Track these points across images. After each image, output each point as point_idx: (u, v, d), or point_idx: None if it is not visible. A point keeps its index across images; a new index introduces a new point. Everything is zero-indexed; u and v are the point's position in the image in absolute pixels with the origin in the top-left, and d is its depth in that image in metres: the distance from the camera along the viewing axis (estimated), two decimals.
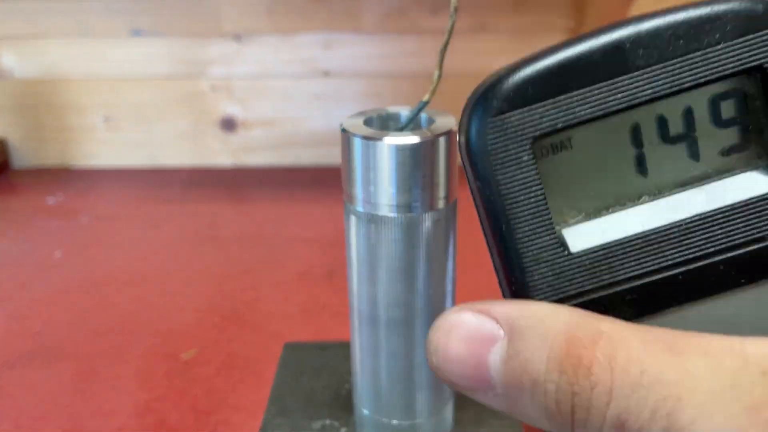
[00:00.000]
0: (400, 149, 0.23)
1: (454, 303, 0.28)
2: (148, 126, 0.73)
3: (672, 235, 0.15)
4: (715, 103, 0.15)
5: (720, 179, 0.15)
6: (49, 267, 0.52)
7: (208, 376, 0.38)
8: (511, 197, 0.15)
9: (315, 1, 0.69)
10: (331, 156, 0.73)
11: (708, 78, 0.14)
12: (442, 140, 0.24)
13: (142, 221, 0.61)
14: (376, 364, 0.27)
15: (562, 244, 0.15)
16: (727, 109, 0.15)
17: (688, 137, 0.15)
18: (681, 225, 0.15)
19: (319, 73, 0.71)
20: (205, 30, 0.70)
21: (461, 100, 0.16)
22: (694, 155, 0.15)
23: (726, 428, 0.11)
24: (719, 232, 0.15)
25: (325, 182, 0.68)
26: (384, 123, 0.26)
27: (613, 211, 0.16)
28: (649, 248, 0.15)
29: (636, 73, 0.14)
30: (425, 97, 0.24)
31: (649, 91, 0.14)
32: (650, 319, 0.15)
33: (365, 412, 0.29)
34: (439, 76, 0.23)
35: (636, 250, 0.15)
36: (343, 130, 0.24)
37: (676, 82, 0.14)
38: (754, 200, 0.15)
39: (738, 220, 0.15)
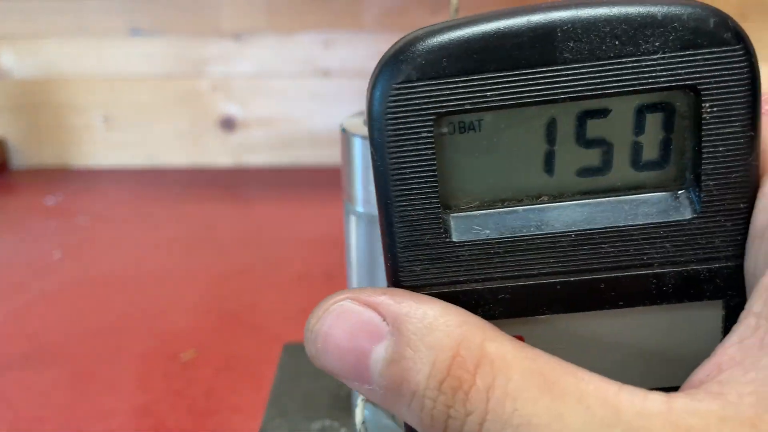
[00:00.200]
0: None
1: None
2: (147, 126, 0.73)
3: (559, 244, 0.14)
4: (640, 113, 0.14)
5: (626, 195, 0.14)
6: (48, 267, 0.52)
7: (206, 377, 0.38)
8: (400, 172, 0.14)
9: (314, 1, 0.69)
10: (331, 156, 0.73)
11: (636, 88, 0.13)
12: None
13: (140, 221, 0.60)
14: None
15: (446, 229, 0.14)
16: (652, 122, 0.14)
17: (604, 144, 0.14)
18: (571, 235, 0.14)
19: (318, 73, 0.71)
20: (204, 29, 0.70)
21: None
22: (606, 164, 0.14)
23: None
24: (609, 250, 0.14)
25: (325, 182, 0.68)
26: None
27: (508, 206, 0.14)
28: (533, 252, 0.14)
29: (561, 67, 0.13)
30: None
31: (571, 90, 0.13)
32: (520, 321, 0.15)
33: (365, 412, 0.29)
34: None
35: (520, 251, 0.14)
36: (343, 130, 0.24)
37: (602, 86, 0.13)
38: (653, 226, 0.14)
39: (631, 243, 0.14)
